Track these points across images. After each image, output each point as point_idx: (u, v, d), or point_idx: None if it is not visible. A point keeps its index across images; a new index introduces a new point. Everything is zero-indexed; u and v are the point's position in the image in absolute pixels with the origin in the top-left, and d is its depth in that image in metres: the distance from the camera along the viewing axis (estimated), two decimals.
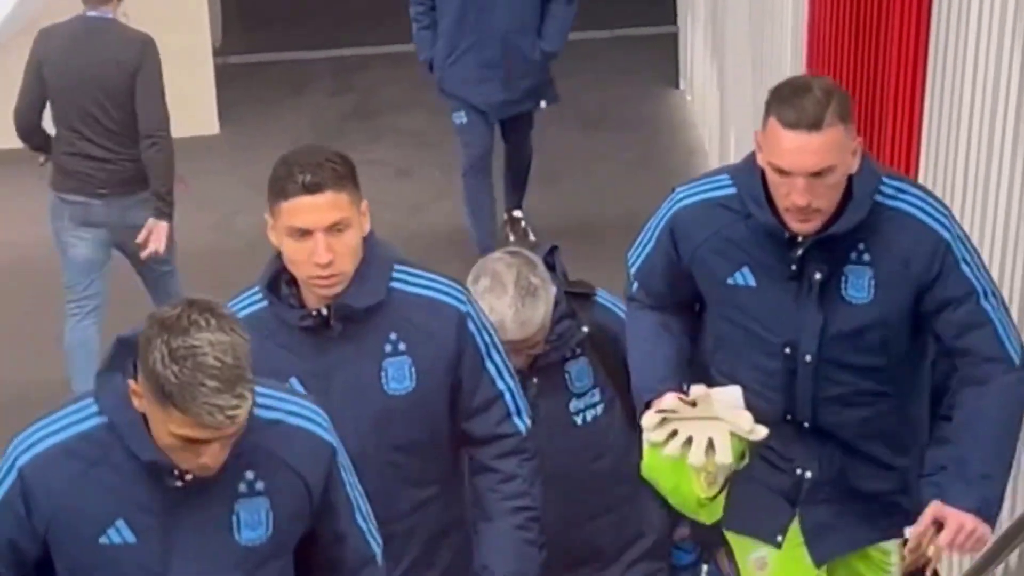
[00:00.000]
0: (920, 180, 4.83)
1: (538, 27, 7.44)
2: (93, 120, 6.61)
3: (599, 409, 4.24)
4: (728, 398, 3.77)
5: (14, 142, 8.84)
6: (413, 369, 3.72)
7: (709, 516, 3.90)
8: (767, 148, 3.73)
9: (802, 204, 3.68)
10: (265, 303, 3.70)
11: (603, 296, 4.27)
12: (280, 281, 3.70)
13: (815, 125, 3.64)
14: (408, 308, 3.70)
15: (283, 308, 3.68)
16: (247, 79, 9.75)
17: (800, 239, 3.77)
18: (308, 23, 10.54)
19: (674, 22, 10.02)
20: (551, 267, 4.19)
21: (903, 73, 5.07)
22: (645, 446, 3.84)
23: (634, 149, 9.06)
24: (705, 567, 4.50)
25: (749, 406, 3.76)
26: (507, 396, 3.82)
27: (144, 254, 6.63)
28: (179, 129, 7.72)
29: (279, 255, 3.67)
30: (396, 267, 3.71)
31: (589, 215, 8.28)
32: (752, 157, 3.83)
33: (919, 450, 4.03)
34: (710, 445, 3.71)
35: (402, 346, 3.70)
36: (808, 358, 3.88)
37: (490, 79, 7.40)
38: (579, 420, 4.23)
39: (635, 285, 4.09)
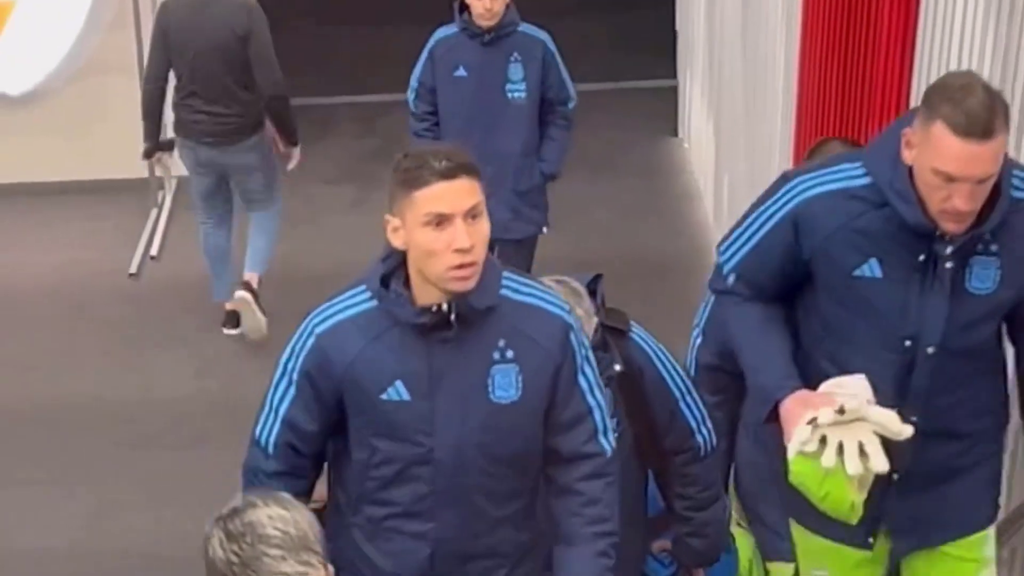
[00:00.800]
0: None
1: (538, 149, 6.83)
2: (208, 80, 7.09)
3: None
4: (859, 389, 3.53)
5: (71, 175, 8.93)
6: (520, 378, 3.45)
7: (857, 516, 3.65)
8: (929, 151, 3.42)
9: (966, 209, 3.44)
10: (374, 302, 3.43)
11: (637, 332, 4.06)
12: (391, 280, 3.42)
13: (987, 133, 3.35)
14: (517, 316, 3.46)
15: (398, 305, 3.39)
16: None
17: (948, 237, 3.51)
18: (334, 71, 10.56)
19: (674, 76, 10.03)
20: (592, 293, 4.01)
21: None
22: (792, 455, 3.54)
23: (635, 192, 9.05)
24: None
25: None
26: (596, 413, 3.57)
27: (290, 167, 7.46)
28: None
29: (387, 257, 3.42)
30: (504, 273, 3.48)
31: (592, 253, 8.27)
32: (891, 148, 3.53)
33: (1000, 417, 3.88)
34: (861, 450, 3.47)
35: (510, 353, 3.45)
36: (930, 350, 3.63)
37: (493, 196, 6.95)
38: None
39: (732, 278, 3.79)
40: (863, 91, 5.25)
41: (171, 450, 6.74)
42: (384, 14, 10.98)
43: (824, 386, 3.57)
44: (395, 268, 3.43)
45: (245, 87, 7.11)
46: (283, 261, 8.27)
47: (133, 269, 8.36)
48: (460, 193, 3.31)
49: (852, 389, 3.52)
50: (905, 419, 3.57)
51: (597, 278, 4.06)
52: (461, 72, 6.68)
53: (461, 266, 3.31)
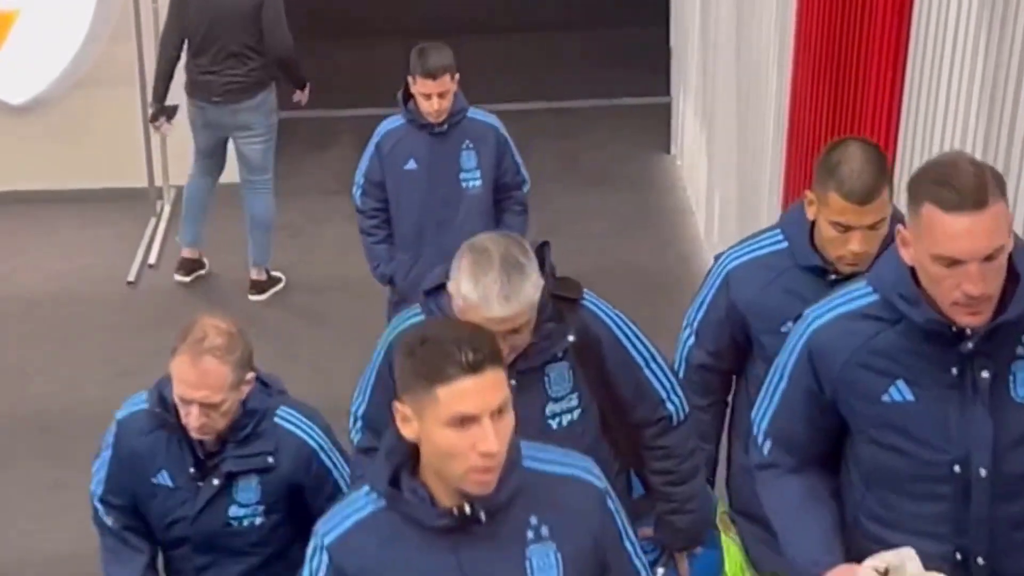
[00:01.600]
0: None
1: None
2: (222, 43, 7.60)
3: (575, 414, 3.84)
4: (906, 559, 3.13)
5: (71, 184, 8.95)
6: (559, 556, 2.98)
7: None
8: (927, 240, 3.08)
9: (977, 293, 3.05)
10: (383, 503, 2.95)
11: (589, 299, 3.90)
12: (401, 477, 2.95)
13: (980, 203, 3.02)
14: (546, 488, 3.00)
15: (416, 508, 2.92)
16: (282, 133, 9.77)
17: (968, 332, 3.12)
18: (337, 85, 10.59)
19: (667, 93, 10.07)
20: (541, 261, 3.77)
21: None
22: None
23: (628, 207, 9.09)
24: (661, 570, 4.16)
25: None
26: (644, 574, 3.20)
27: (300, 100, 8.12)
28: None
29: (391, 452, 2.94)
30: (522, 444, 3.02)
31: (584, 265, 8.26)
32: (892, 260, 3.23)
33: None
34: None
35: (545, 531, 2.99)
36: (983, 472, 3.18)
37: None
38: (554, 424, 3.82)
39: (767, 445, 3.45)
40: (854, 110, 5.25)
41: None
42: (383, 27, 11.01)
43: (868, 560, 3.17)
44: (403, 463, 2.96)
45: (254, 50, 7.60)
46: (282, 271, 8.32)
47: (131, 277, 8.41)
48: (488, 389, 2.83)
49: (899, 560, 3.14)
50: (971, 563, 3.25)
51: (544, 245, 3.87)
52: (412, 165, 6.22)
53: (485, 469, 2.85)
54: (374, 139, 6.29)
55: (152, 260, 8.60)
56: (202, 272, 8.33)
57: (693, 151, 9.12)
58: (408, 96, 6.18)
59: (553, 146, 9.85)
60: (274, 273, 8.22)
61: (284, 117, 10.25)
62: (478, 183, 6.28)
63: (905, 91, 4.86)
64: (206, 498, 4.09)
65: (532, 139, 9.98)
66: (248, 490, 4.08)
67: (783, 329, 3.93)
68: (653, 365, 3.95)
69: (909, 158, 4.83)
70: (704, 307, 4.28)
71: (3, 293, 8.29)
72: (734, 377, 4.33)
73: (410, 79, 6.11)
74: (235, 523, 4.10)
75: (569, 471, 3.06)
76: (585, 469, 3.08)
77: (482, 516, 2.92)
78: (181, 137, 8.12)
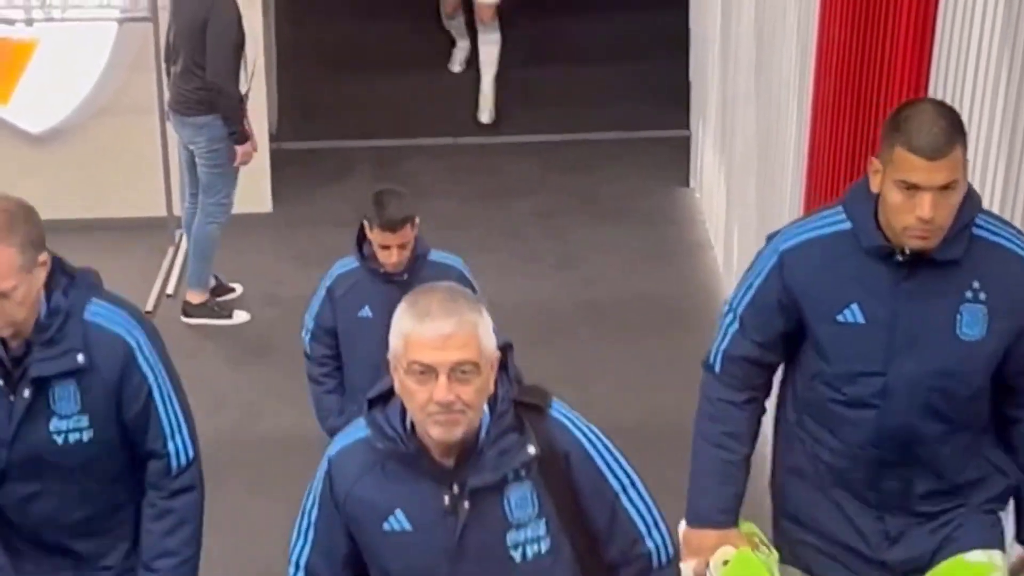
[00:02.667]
0: None
1: None
2: (177, 56, 7.87)
3: (543, 545, 3.33)
4: None
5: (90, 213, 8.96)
6: None
7: None
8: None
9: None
10: None
11: (557, 409, 3.38)
12: None
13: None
14: None
15: None
16: (298, 164, 9.83)
17: None
18: (353, 115, 10.64)
19: (687, 127, 10.09)
20: (504, 364, 3.31)
21: None
22: None
23: (647, 239, 9.09)
24: None
25: None
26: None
27: (236, 163, 7.89)
28: (237, 206, 7.99)
29: None
30: None
31: (601, 296, 8.34)
32: None
33: None
34: None
35: None
36: None
37: None
38: (518, 556, 3.32)
39: None
40: (875, 143, 5.17)
41: None
42: (399, 59, 11.03)
43: None
44: None
45: (202, 67, 7.75)
46: (296, 302, 8.31)
47: (149, 307, 8.39)
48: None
49: None
50: None
51: (505, 347, 3.33)
52: (367, 312, 5.60)
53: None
54: (325, 281, 5.74)
55: (170, 290, 8.58)
56: (225, 298, 8.33)
57: (712, 184, 9.12)
58: (362, 238, 5.60)
59: (571, 179, 9.86)
60: (240, 312, 8.25)
61: (304, 147, 10.33)
62: None
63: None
64: (21, 412, 3.75)
65: (550, 172, 10.01)
66: (66, 398, 3.76)
67: (839, 319, 3.77)
68: (632, 492, 3.40)
69: None
70: (752, 292, 3.91)
71: None
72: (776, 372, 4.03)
73: (366, 224, 5.54)
74: (59, 438, 3.76)
75: None
76: None
77: None
78: None
